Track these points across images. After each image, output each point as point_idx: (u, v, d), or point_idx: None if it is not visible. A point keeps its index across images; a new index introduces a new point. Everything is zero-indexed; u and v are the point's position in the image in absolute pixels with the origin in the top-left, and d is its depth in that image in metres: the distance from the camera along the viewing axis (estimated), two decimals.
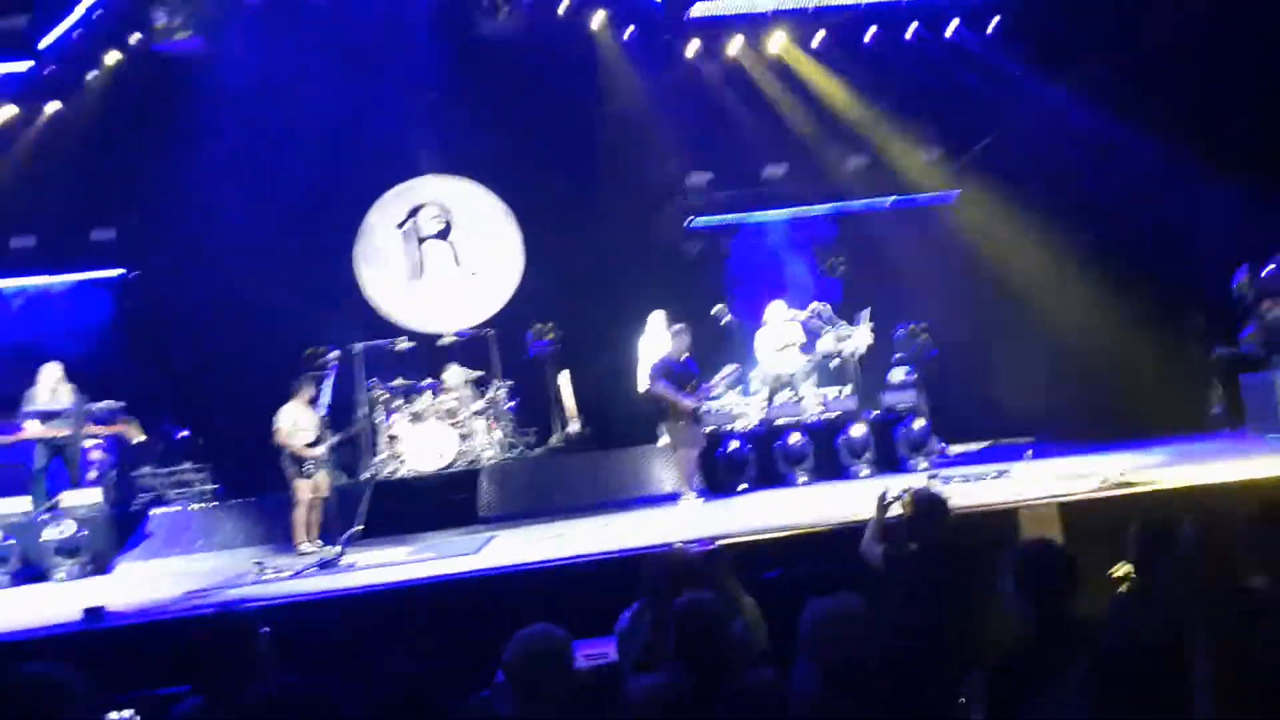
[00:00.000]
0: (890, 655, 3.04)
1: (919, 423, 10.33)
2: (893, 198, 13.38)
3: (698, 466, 9.50)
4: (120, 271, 12.36)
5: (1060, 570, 3.43)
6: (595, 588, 5.62)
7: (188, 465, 11.23)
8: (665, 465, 10.52)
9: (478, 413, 11.18)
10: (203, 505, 10.66)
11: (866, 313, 10.80)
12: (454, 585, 6.23)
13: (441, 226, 13.24)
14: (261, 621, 3.47)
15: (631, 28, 12.58)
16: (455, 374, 11.41)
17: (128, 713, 4.08)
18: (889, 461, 10.26)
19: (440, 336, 12.16)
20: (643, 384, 10.87)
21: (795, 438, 10.23)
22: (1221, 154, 9.91)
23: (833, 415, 10.56)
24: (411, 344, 11.65)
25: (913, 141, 13.18)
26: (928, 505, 4.58)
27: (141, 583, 8.36)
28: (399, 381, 11.23)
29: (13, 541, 9.25)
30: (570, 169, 12.50)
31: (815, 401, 10.73)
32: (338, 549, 7.95)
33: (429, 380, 11.32)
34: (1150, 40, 10.57)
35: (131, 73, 11.79)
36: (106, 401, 10.50)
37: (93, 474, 10.23)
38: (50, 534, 9.27)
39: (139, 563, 9.68)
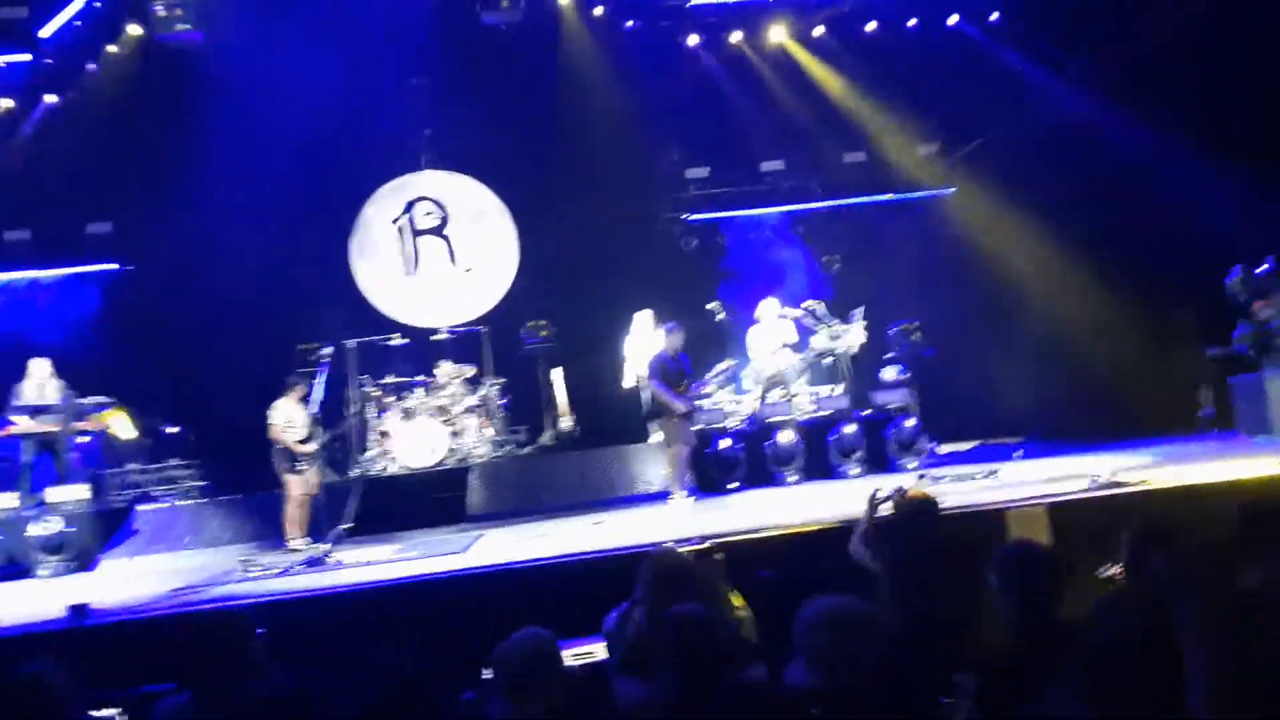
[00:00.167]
0: (883, 655, 3.03)
1: (910, 422, 10.34)
2: (889, 195, 13.38)
3: (689, 465, 9.49)
4: (114, 266, 12.29)
5: (1045, 572, 3.41)
6: (584, 587, 5.60)
7: (175, 461, 11.18)
8: (656, 463, 10.51)
9: (470, 410, 11.15)
10: (189, 502, 10.61)
11: (860, 310, 10.80)
12: (441, 584, 6.20)
13: (437, 222, 13.21)
14: (257, 621, 3.47)
15: (631, 22, 12.57)
16: (447, 370, 11.38)
17: (113, 711, 4.05)
18: (879, 461, 10.26)
19: (434, 332, 12.15)
20: (630, 381, 10.87)
21: (786, 436, 10.22)
22: (1218, 151, 9.89)
23: (824, 414, 10.56)
24: (405, 341, 11.62)
25: (909, 137, 13.19)
26: (918, 506, 4.56)
27: (127, 579, 8.31)
28: (391, 378, 11.21)
29: None
30: (566, 164, 12.47)
31: (807, 400, 10.72)
32: (326, 546, 7.92)
33: (421, 377, 11.29)
34: (1149, 37, 10.56)
35: (130, 66, 11.75)
36: (95, 397, 10.44)
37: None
38: (35, 530, 9.22)
39: (124, 559, 9.64)
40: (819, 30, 12.78)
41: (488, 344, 12.01)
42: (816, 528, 6.35)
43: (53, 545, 9.19)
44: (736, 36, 12.73)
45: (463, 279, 13.20)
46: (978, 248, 12.57)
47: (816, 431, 10.40)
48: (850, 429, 10.31)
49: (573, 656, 4.26)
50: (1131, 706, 2.48)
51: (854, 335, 10.74)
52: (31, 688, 2.93)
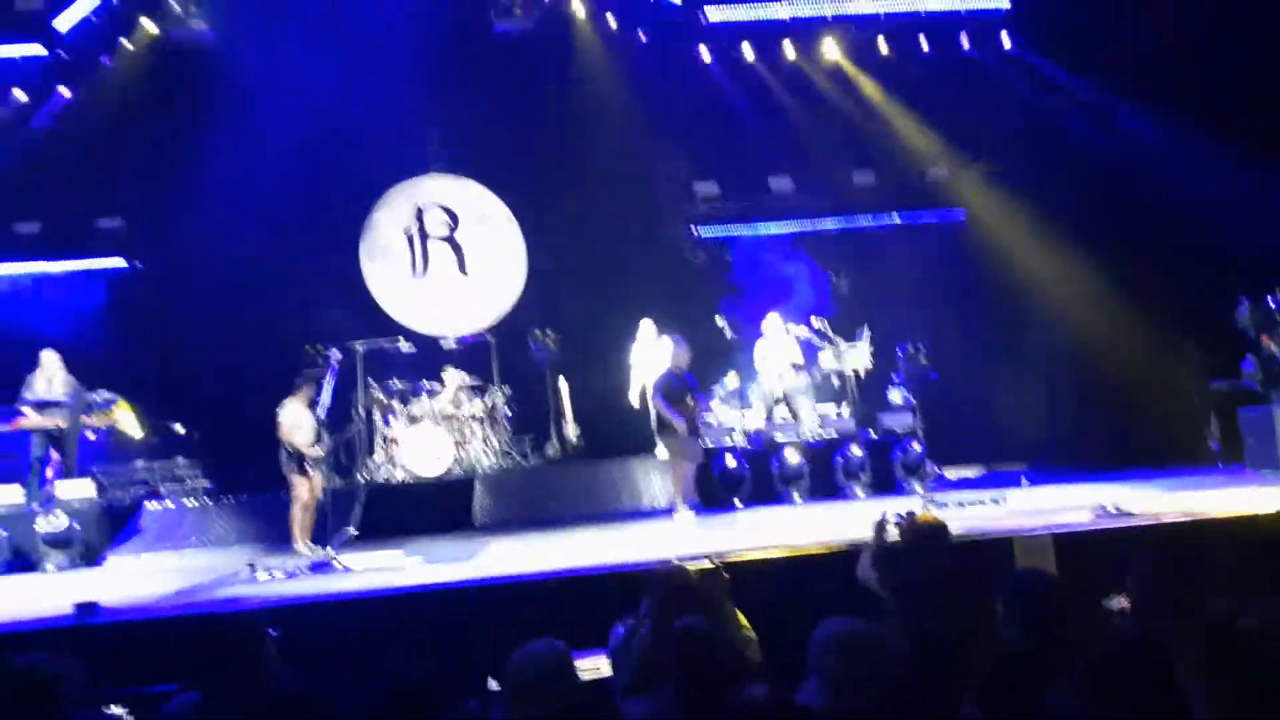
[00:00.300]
0: (894, 678, 3.05)
1: (916, 446, 10.34)
2: (897, 217, 13.40)
3: (694, 481, 9.49)
4: (122, 263, 12.35)
5: (1052, 601, 3.44)
6: (589, 600, 5.61)
7: (181, 460, 11.20)
8: (661, 478, 10.52)
9: (475, 418, 11.17)
10: (195, 501, 10.62)
11: (866, 330, 10.81)
12: (445, 593, 6.21)
13: (447, 230, 13.25)
14: (268, 623, 3.48)
15: (643, 34, 12.61)
16: (454, 378, 11.40)
17: (120, 710, 4.06)
18: (886, 483, 10.26)
19: (441, 339, 12.16)
20: (635, 395, 10.89)
21: (792, 456, 10.23)
22: (1232, 168, 9.87)
23: (830, 435, 10.57)
24: (412, 349, 11.64)
25: (921, 156, 13.21)
26: (928, 530, 4.58)
27: (133, 577, 8.32)
28: (398, 384, 11.22)
29: (4, 532, 9.23)
30: (575, 174, 12.52)
31: (813, 420, 10.73)
32: (331, 551, 7.93)
33: (427, 384, 11.31)
34: (1159, 44, 10.53)
35: (144, 62, 11.81)
36: (104, 392, 10.48)
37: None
38: (42, 525, 9.25)
39: (130, 557, 9.65)
40: (833, 45, 12.77)
41: (494, 353, 12.02)
42: (823, 550, 6.35)
43: (60, 540, 9.23)
44: (750, 52, 12.76)
45: (471, 287, 13.23)
46: (987, 271, 12.58)
47: (823, 452, 10.41)
48: (856, 451, 10.32)
49: (579, 670, 4.27)
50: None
51: (860, 355, 10.75)
52: (41, 682, 2.94)
